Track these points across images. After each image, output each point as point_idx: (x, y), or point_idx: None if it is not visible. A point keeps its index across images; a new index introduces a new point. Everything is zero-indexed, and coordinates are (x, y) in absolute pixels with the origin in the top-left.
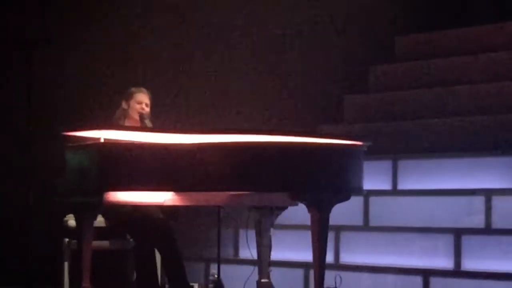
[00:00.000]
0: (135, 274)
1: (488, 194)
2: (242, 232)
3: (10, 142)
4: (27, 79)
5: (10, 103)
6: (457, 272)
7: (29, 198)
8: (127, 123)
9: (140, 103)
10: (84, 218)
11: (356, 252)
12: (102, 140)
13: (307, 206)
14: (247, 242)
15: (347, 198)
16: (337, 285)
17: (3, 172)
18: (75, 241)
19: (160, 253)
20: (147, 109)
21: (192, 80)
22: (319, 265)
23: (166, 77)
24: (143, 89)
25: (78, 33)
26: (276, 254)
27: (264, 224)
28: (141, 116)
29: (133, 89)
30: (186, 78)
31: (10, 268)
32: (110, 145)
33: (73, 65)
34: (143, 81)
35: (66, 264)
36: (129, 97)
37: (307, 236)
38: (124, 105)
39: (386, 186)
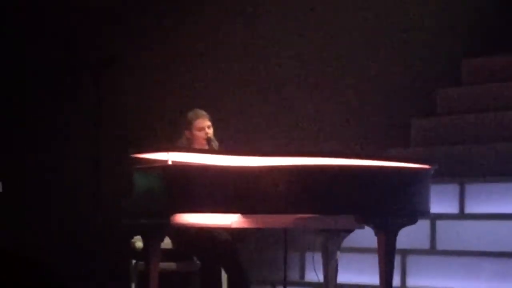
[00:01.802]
0: None
1: None
2: (308, 255)
3: (79, 164)
4: (95, 101)
5: (79, 125)
6: None
7: (98, 220)
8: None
9: (202, 129)
10: (151, 240)
11: (422, 275)
12: (170, 163)
13: (374, 229)
14: (313, 265)
15: (414, 221)
16: None
17: (72, 194)
18: (142, 262)
19: (227, 275)
20: (210, 132)
21: (259, 101)
22: None
23: (233, 97)
24: (201, 113)
25: (145, 53)
26: (343, 277)
27: (330, 247)
28: (208, 140)
29: (190, 116)
30: (253, 98)
31: None
32: (178, 167)
33: (141, 86)
34: (210, 102)
35: (133, 286)
36: (189, 125)
37: (374, 259)
38: (187, 134)
39: (453, 209)
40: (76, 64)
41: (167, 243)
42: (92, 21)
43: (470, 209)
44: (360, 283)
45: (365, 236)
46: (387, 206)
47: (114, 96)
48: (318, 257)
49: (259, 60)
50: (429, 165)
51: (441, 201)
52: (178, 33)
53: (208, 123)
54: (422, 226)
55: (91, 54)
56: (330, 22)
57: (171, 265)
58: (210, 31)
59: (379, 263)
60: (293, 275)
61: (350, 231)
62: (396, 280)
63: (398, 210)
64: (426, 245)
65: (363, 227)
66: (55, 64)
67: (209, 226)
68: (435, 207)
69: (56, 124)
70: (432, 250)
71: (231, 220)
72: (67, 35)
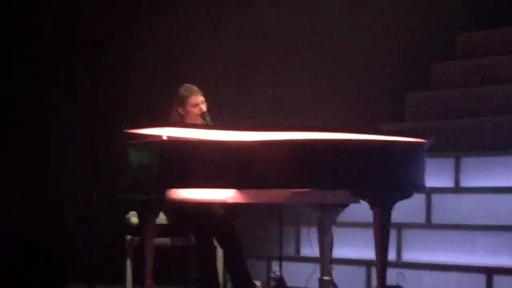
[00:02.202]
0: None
1: None
2: (303, 230)
3: (74, 140)
4: (91, 75)
5: (74, 101)
6: None
7: (93, 195)
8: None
9: (196, 105)
10: (147, 215)
11: (418, 249)
12: (164, 138)
13: (369, 204)
14: (309, 239)
15: (409, 195)
16: (399, 282)
17: (67, 170)
18: (137, 238)
19: (223, 250)
20: (205, 107)
21: (254, 77)
22: (381, 262)
23: (228, 73)
24: (193, 89)
25: (141, 30)
26: (338, 252)
27: (325, 222)
28: (202, 115)
29: (182, 92)
30: (248, 74)
31: (73, 265)
32: (173, 142)
33: (137, 62)
34: (206, 77)
35: (128, 261)
36: (182, 102)
37: (369, 233)
38: (180, 111)
39: (449, 183)
40: (71, 42)
41: (161, 218)
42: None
43: (465, 183)
44: (355, 258)
45: (361, 210)
46: (382, 180)
47: (109, 74)
48: (313, 232)
49: (251, 36)
50: (425, 139)
51: (437, 175)
52: (171, 12)
53: (202, 98)
54: (417, 200)
55: (85, 33)
56: (323, 1)
57: (165, 241)
58: (203, 7)
59: (375, 237)
60: (289, 250)
61: (345, 205)
62: (391, 254)
63: (394, 184)
64: (421, 219)
65: (358, 202)
66: (50, 42)
67: (204, 201)
68: (431, 181)
69: (51, 102)
70: (428, 224)
71: (226, 195)
72: (62, 13)
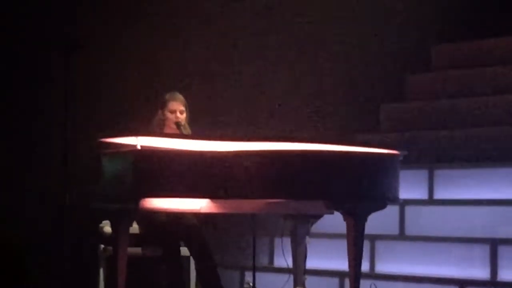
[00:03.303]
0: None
1: None
2: (277, 240)
3: (47, 148)
4: (65, 83)
5: (48, 108)
6: (493, 283)
7: (65, 204)
8: (165, 131)
9: (173, 112)
10: (120, 225)
11: (391, 261)
12: (138, 147)
13: (343, 215)
14: (282, 250)
15: (383, 206)
16: None
17: (39, 178)
18: (110, 247)
19: (195, 261)
20: (182, 117)
21: (228, 83)
22: (354, 273)
23: (203, 81)
24: (177, 96)
25: (115, 36)
26: (312, 263)
27: (299, 232)
28: (177, 124)
29: (166, 96)
30: (222, 80)
31: (46, 274)
32: (147, 151)
33: (111, 69)
34: (180, 85)
35: (101, 270)
36: (163, 106)
37: (343, 244)
38: (160, 114)
39: (423, 195)
40: (46, 46)
41: (135, 228)
42: (60, 3)
43: (439, 195)
44: (329, 269)
45: (334, 221)
46: (356, 191)
47: (83, 79)
48: (287, 242)
49: (231, 42)
50: (399, 150)
51: (410, 187)
52: (150, 15)
53: (182, 108)
54: (391, 211)
55: (60, 37)
56: (301, 2)
57: (137, 250)
58: (183, 10)
59: (348, 248)
60: (262, 261)
61: (319, 216)
62: (365, 266)
63: (367, 196)
64: (395, 230)
65: (332, 213)
66: (25, 46)
67: (178, 211)
68: (404, 193)
69: (25, 107)
70: (401, 236)
71: (200, 205)
72: (37, 17)
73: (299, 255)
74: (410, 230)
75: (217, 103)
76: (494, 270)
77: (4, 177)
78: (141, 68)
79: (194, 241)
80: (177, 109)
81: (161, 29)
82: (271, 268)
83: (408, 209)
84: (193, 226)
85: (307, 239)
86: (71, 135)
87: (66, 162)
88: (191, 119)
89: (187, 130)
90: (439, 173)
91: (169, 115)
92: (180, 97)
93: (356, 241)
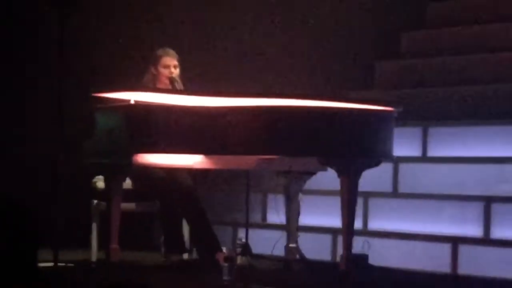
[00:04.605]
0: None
1: None
2: (270, 197)
3: (41, 102)
4: (60, 37)
5: (42, 62)
6: (486, 240)
7: (58, 160)
8: (157, 87)
9: (167, 67)
10: (113, 180)
11: (384, 218)
12: (132, 102)
13: (337, 172)
14: (275, 207)
15: (376, 164)
16: (365, 251)
17: (33, 132)
18: (103, 202)
19: (187, 220)
20: (176, 71)
21: (223, 42)
22: (347, 230)
23: (198, 38)
24: (169, 51)
25: None
26: (304, 220)
27: (292, 189)
28: (171, 80)
29: (158, 52)
30: (217, 39)
31: (39, 230)
32: (140, 107)
33: (107, 24)
34: (175, 41)
35: (94, 226)
36: (156, 61)
37: (336, 201)
38: (153, 70)
39: (416, 153)
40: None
41: (127, 183)
42: None
43: (432, 152)
44: (322, 225)
45: (328, 178)
46: (350, 148)
47: (77, 35)
48: (280, 199)
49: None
50: (393, 107)
51: (404, 144)
52: None
53: (175, 62)
54: (384, 169)
55: None
56: None
57: (131, 206)
58: None
59: (342, 205)
60: (255, 217)
61: (312, 173)
62: (358, 223)
63: (361, 153)
64: (388, 188)
65: (325, 169)
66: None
67: (171, 166)
68: (398, 150)
69: (18, 64)
70: (395, 193)
71: (193, 160)
72: None
73: (292, 212)
74: (403, 188)
75: (212, 63)
76: (487, 228)
77: None
78: (139, 23)
79: (189, 203)
80: (171, 64)
81: None
82: (264, 225)
83: (402, 167)
84: (187, 186)
85: (300, 196)
86: (65, 91)
87: (59, 118)
88: (186, 77)
89: (179, 85)
90: (432, 131)
91: (162, 70)
92: (174, 52)
93: (349, 198)
